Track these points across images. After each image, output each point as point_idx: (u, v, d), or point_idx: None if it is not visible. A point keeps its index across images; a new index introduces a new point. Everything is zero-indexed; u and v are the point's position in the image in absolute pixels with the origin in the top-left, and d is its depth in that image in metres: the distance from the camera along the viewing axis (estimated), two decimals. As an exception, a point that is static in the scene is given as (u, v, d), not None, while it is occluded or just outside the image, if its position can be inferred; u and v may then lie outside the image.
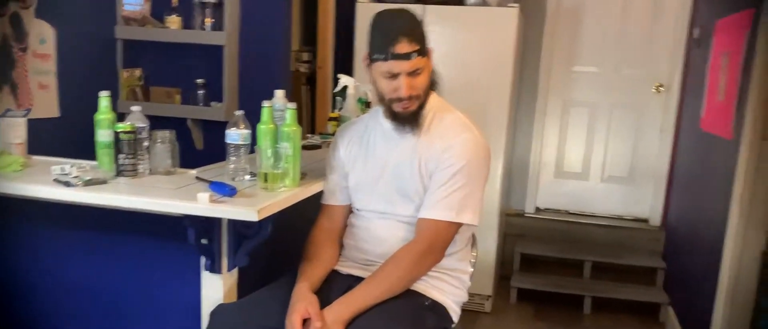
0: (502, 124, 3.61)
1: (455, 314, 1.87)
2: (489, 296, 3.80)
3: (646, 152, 4.41)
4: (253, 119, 1.89)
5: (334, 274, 1.86)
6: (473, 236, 2.02)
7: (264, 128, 1.84)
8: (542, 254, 4.28)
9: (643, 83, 4.34)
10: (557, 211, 4.61)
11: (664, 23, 4.24)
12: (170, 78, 3.47)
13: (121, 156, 1.83)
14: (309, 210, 1.96)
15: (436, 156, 1.77)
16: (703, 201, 3.38)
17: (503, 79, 3.56)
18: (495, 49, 3.54)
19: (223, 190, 1.69)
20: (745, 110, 2.68)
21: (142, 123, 1.89)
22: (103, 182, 1.78)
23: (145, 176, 1.89)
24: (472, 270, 1.99)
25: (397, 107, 1.76)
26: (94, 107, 1.88)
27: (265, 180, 1.78)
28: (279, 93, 2.20)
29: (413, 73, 1.71)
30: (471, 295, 2.48)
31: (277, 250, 2.04)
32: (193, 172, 1.96)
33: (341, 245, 1.94)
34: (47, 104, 2.87)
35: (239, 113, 1.90)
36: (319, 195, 1.96)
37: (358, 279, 1.79)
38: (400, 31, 1.68)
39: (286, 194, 1.76)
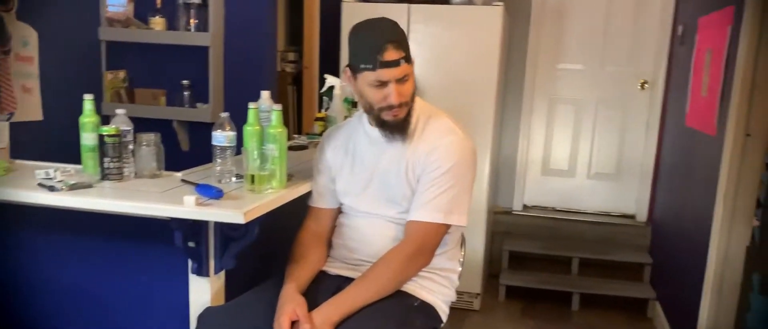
0: (489, 122, 3.62)
1: (444, 313, 1.87)
2: (477, 294, 3.81)
3: (632, 149, 4.45)
4: (239, 120, 1.87)
5: (322, 275, 1.86)
6: (462, 236, 2.03)
7: (250, 129, 1.83)
8: (530, 251, 4.30)
9: (628, 79, 4.38)
10: (544, 208, 4.64)
11: (648, 20, 4.28)
12: (155, 80, 3.45)
13: (106, 160, 1.82)
14: (296, 212, 1.95)
15: (423, 160, 1.77)
16: (688, 197, 3.41)
17: (489, 78, 3.57)
18: (480, 48, 3.55)
19: (210, 192, 1.68)
20: (728, 106, 2.70)
21: (127, 126, 1.88)
22: (89, 186, 1.76)
23: (131, 180, 1.88)
24: (461, 269, 1.99)
25: (387, 116, 1.74)
26: (78, 110, 1.86)
27: (252, 182, 1.78)
28: (265, 94, 2.19)
29: (402, 80, 1.70)
30: (459, 293, 2.49)
31: (264, 252, 2.03)
32: (179, 174, 1.95)
33: (329, 246, 1.93)
34: (31, 108, 2.84)
35: (225, 114, 1.89)
36: (306, 197, 1.95)
37: (347, 280, 1.78)
38: (386, 39, 1.66)
39: (273, 196, 1.76)
